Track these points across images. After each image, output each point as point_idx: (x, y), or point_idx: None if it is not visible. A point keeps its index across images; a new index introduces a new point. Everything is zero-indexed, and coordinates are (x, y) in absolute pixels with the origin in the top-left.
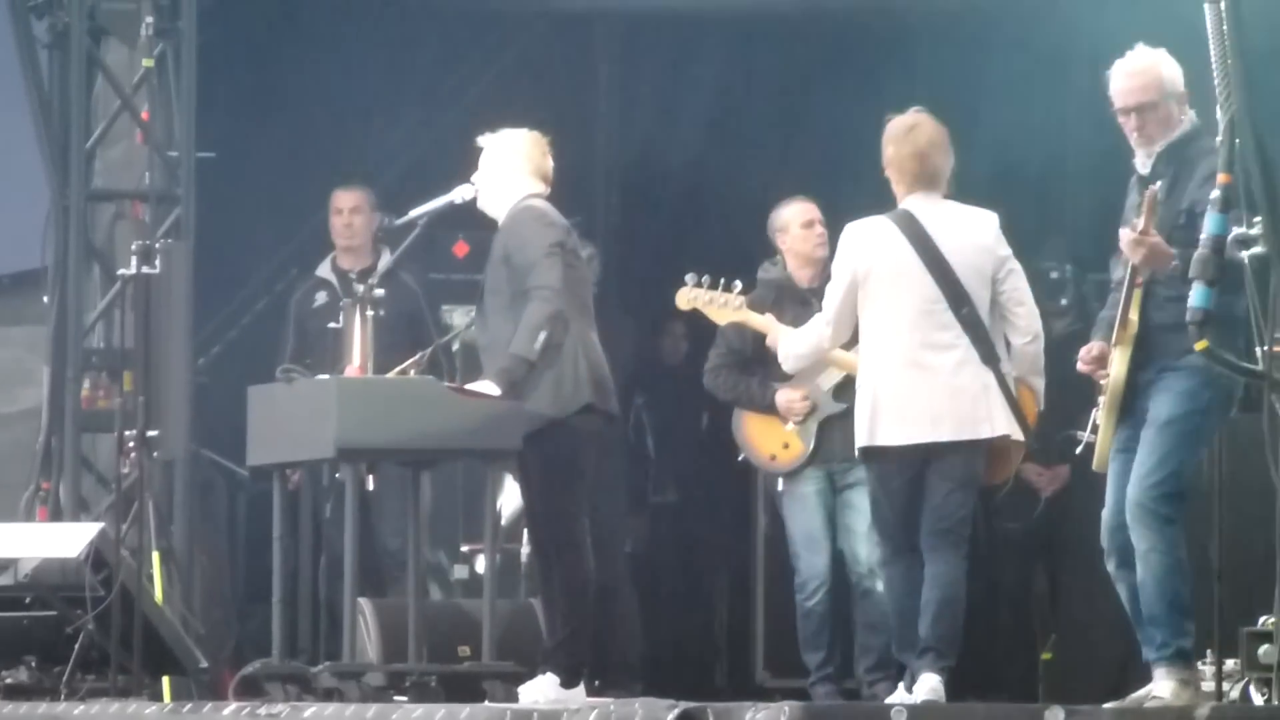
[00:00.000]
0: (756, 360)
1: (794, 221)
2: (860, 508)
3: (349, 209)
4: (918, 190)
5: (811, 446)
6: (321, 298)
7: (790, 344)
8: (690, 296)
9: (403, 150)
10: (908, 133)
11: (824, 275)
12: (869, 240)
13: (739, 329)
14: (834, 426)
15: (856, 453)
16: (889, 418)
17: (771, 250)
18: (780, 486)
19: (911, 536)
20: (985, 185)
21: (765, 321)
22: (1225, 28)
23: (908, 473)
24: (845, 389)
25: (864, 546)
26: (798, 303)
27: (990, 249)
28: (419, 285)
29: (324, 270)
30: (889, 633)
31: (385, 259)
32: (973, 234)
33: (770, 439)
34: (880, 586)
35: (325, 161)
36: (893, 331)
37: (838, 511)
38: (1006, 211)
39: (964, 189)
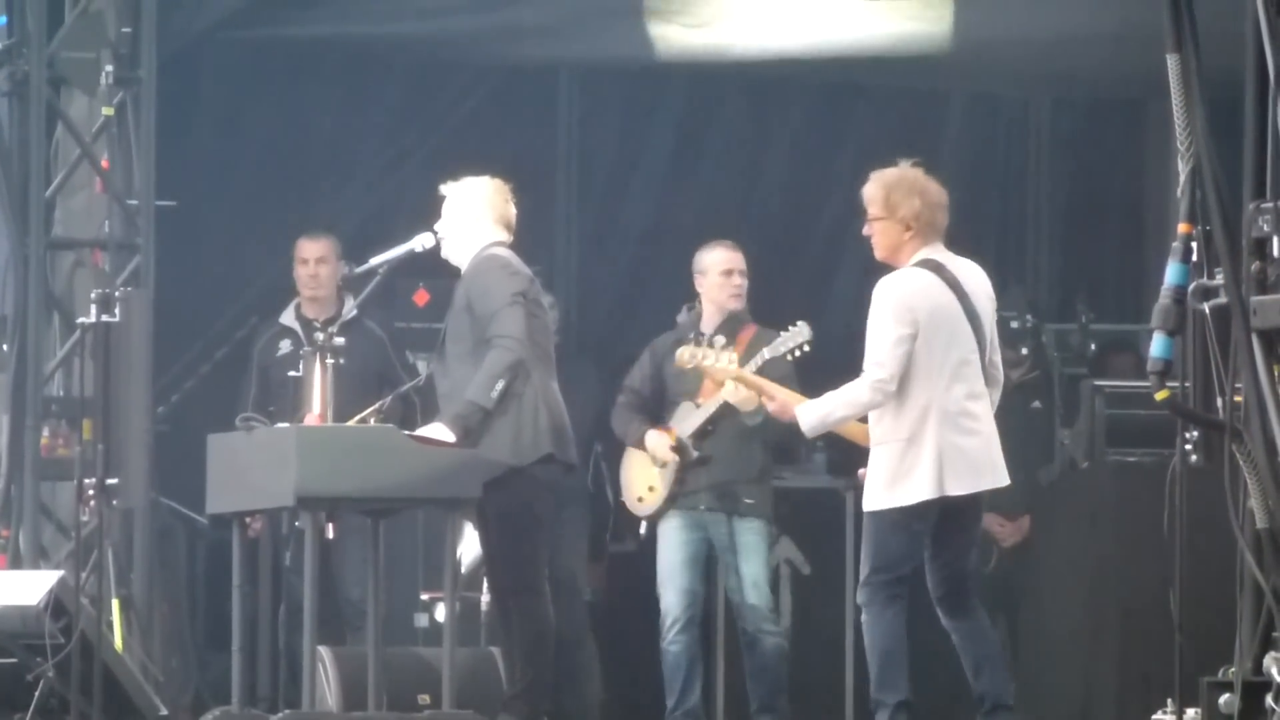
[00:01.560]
0: (655, 403)
1: (714, 269)
2: (749, 560)
3: (315, 258)
4: (932, 241)
5: (668, 492)
6: (285, 346)
7: (830, 410)
8: (691, 353)
9: (364, 199)
10: (928, 184)
11: (729, 323)
12: (921, 292)
13: (643, 371)
14: (699, 472)
15: (914, 502)
16: (957, 468)
17: None
18: (643, 530)
19: (903, 583)
20: (946, 235)
21: (768, 386)
22: (1187, 79)
23: (932, 516)
24: (704, 438)
25: (755, 597)
26: (691, 344)
27: (993, 297)
28: (385, 332)
29: (287, 318)
30: (770, 682)
31: (349, 307)
32: (983, 282)
33: (641, 482)
34: (770, 638)
35: (286, 210)
36: (945, 383)
37: (731, 563)
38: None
39: None
